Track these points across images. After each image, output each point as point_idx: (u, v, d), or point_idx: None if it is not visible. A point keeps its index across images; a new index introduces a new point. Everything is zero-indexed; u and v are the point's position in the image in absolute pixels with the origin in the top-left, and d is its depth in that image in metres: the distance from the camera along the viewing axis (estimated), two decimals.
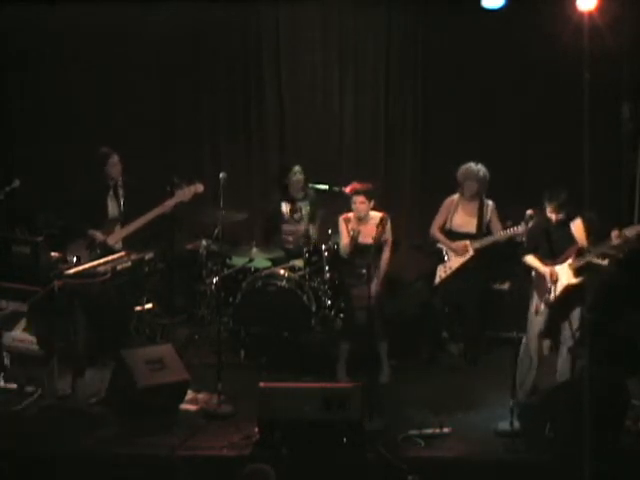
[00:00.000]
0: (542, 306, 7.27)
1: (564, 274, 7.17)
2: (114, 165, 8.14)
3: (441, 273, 8.29)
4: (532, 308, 7.30)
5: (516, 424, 6.69)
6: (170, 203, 8.09)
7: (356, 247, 7.75)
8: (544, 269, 7.22)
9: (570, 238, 7.22)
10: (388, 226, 7.79)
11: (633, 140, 9.11)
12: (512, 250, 7.74)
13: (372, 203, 7.77)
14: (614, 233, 6.98)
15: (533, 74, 9.16)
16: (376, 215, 7.79)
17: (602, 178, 8.58)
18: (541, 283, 7.26)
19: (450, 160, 8.60)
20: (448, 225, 8.28)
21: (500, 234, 8.06)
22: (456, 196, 8.27)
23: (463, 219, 8.24)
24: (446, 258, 8.26)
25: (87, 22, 9.37)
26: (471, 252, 8.16)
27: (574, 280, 7.15)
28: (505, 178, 8.82)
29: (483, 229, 8.22)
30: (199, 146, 9.84)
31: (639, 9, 8.87)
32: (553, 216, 7.19)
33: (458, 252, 8.17)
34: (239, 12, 9.59)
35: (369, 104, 9.70)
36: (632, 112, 9.01)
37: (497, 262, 8.29)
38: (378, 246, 7.71)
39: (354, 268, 7.80)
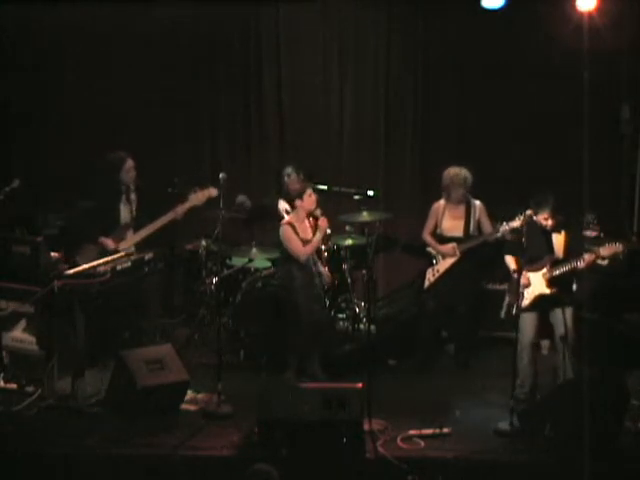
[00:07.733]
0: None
1: (537, 283, 7.16)
2: (129, 170, 7.96)
3: (430, 277, 8.27)
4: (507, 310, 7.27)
5: (516, 424, 6.70)
6: (184, 207, 7.93)
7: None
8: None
9: (549, 246, 7.19)
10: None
11: (633, 140, 9.11)
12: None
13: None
14: (588, 255, 6.99)
15: (533, 74, 9.16)
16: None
17: (602, 178, 8.59)
18: (514, 286, 7.21)
19: (450, 160, 8.59)
20: (439, 230, 8.28)
21: (488, 233, 8.04)
22: (442, 201, 8.25)
23: (451, 223, 8.22)
24: (434, 261, 8.26)
25: (87, 22, 9.39)
26: (458, 254, 8.15)
27: (547, 291, 7.15)
28: (504, 178, 8.81)
29: (471, 231, 8.19)
30: (199, 146, 9.84)
31: (639, 9, 8.88)
32: (549, 222, 7.14)
33: (448, 254, 8.16)
34: (239, 12, 9.60)
35: (369, 104, 9.71)
36: (632, 112, 9.01)
37: (494, 262, 8.26)
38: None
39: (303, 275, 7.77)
